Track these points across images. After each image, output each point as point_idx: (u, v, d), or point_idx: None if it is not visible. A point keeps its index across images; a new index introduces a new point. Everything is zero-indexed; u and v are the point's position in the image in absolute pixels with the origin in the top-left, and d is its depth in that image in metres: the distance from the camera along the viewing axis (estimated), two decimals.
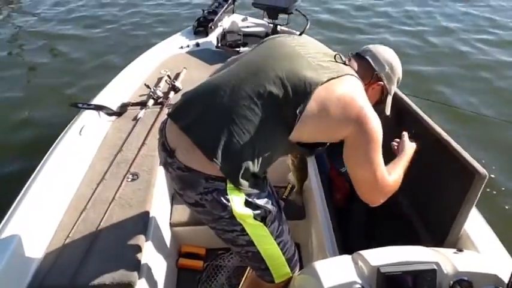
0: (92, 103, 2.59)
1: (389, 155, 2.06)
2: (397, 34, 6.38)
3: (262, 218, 1.39)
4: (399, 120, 1.94)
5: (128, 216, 1.96)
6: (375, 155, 1.38)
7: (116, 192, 2.06)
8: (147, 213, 1.99)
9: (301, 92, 1.30)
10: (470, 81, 5.04)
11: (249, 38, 3.78)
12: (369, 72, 1.51)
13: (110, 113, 2.62)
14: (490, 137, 3.89)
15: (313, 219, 2.14)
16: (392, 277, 1.15)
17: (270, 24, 3.60)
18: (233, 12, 4.22)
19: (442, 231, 1.55)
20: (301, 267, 1.64)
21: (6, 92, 4.93)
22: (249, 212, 1.35)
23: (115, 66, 3.49)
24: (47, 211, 1.93)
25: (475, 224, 1.58)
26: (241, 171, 1.29)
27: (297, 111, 1.29)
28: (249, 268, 1.98)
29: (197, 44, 3.74)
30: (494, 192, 3.22)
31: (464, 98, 4.63)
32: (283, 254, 1.49)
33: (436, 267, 1.17)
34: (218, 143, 1.28)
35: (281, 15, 3.54)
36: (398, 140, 1.68)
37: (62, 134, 2.32)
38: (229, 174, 1.29)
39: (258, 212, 1.37)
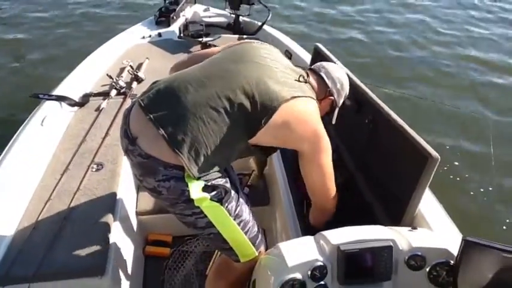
0: (53, 94, 2.55)
1: (349, 141, 2.17)
2: (359, 27, 6.53)
3: (219, 199, 1.45)
4: (358, 108, 2.02)
5: (93, 206, 1.96)
6: (325, 163, 1.59)
7: (80, 182, 2.06)
8: (113, 202, 2.00)
9: (268, 105, 1.41)
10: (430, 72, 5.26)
11: (211, 28, 3.80)
12: (324, 88, 1.70)
13: (72, 103, 2.59)
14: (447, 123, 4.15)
15: (278, 204, 2.20)
16: (352, 254, 1.23)
17: (232, 15, 3.63)
18: (195, 3, 4.22)
19: (398, 212, 1.64)
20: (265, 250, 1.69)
21: None
22: (206, 195, 1.41)
23: (76, 56, 3.42)
24: (10, 202, 1.91)
25: (428, 204, 1.67)
26: (200, 165, 1.36)
27: (262, 123, 1.40)
28: (216, 251, 2.02)
29: (159, 34, 3.72)
30: (449, 175, 3.46)
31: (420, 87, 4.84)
32: (245, 233, 1.54)
33: (392, 244, 1.24)
34: (184, 137, 1.34)
35: (243, 6, 3.57)
36: None
37: (23, 125, 2.28)
38: (190, 167, 1.34)
39: (214, 193, 1.42)
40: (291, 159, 2.34)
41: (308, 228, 1.81)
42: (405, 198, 1.61)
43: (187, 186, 1.36)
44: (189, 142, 1.34)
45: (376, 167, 1.89)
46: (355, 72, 2.18)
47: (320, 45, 2.57)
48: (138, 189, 2.42)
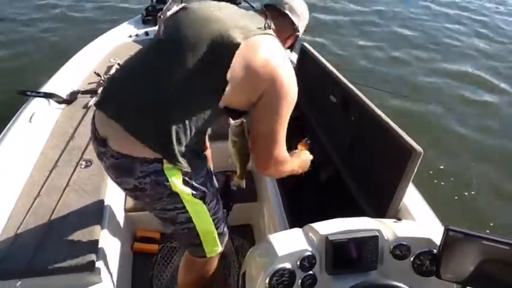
0: (41, 91, 2.54)
1: (335, 137, 2.21)
2: (350, 16, 6.64)
3: (201, 197, 1.45)
4: (345, 106, 2.07)
5: (82, 202, 1.96)
6: (283, 111, 1.39)
7: (69, 179, 2.06)
8: (101, 199, 2.00)
9: (225, 54, 1.30)
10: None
11: None
12: (289, 25, 1.57)
13: (60, 100, 2.59)
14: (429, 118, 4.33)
15: (265, 201, 2.24)
16: (339, 244, 1.27)
17: None
18: (181, 2, 4.23)
19: (383, 205, 1.68)
20: (252, 245, 1.72)
21: None
22: (188, 190, 1.39)
23: (63, 54, 3.42)
24: (0, 197, 1.91)
25: (411, 196, 1.73)
26: (175, 148, 1.29)
27: (227, 78, 1.30)
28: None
29: (146, 33, 3.73)
30: (430, 168, 3.62)
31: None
32: (216, 229, 1.58)
33: (378, 234, 1.29)
34: (147, 125, 1.30)
35: None
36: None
37: (11, 121, 2.28)
38: (164, 153, 1.30)
39: (195, 192, 1.42)
40: None
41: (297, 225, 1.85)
42: (390, 191, 1.66)
43: (167, 179, 1.33)
44: (157, 129, 1.29)
45: (362, 162, 1.93)
46: (341, 71, 2.23)
47: (306, 44, 2.61)
48: None
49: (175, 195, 1.38)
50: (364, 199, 1.85)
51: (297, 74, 2.68)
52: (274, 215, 1.99)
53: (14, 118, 2.31)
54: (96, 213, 1.92)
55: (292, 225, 1.88)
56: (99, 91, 2.72)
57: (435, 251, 1.26)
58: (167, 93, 1.31)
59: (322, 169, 2.26)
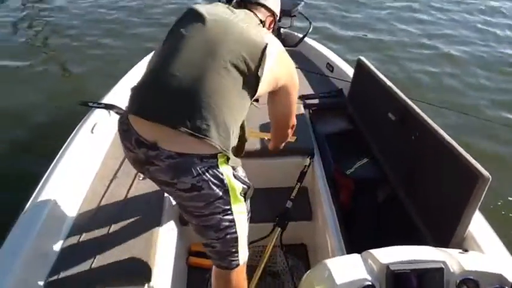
0: (102, 102, 2.62)
1: (392, 156, 2.14)
2: (400, 34, 6.44)
3: (245, 193, 1.49)
4: (404, 124, 2.00)
5: (139, 214, 1.99)
6: (296, 97, 1.73)
7: (128, 190, 2.10)
8: (158, 211, 2.03)
9: (255, 55, 1.42)
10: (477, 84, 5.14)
11: None
12: (268, 12, 1.75)
13: (120, 112, 2.66)
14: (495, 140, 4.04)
15: (320, 220, 2.19)
16: (401, 275, 1.20)
17: None
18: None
19: (446, 233, 1.60)
20: (308, 268, 1.69)
21: (21, 92, 4.99)
22: (239, 184, 1.44)
23: (123, 66, 3.53)
24: (61, 208, 1.97)
25: (478, 225, 1.63)
26: (231, 142, 1.38)
27: (258, 74, 1.43)
28: (261, 265, 2.08)
29: None
30: (496, 196, 3.34)
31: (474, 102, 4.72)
32: (247, 232, 1.61)
33: (443, 266, 1.22)
34: (202, 121, 1.32)
35: (284, 18, 3.58)
36: None
37: (74, 132, 2.35)
38: (224, 146, 1.35)
39: (244, 186, 1.47)
40: (332, 173, 2.34)
41: (353, 247, 1.80)
42: (454, 218, 1.58)
43: (222, 173, 1.37)
44: (216, 125, 1.33)
45: (423, 184, 1.86)
46: (399, 85, 2.16)
47: (363, 58, 2.56)
48: None
49: (227, 194, 1.40)
50: (424, 224, 1.78)
51: (352, 88, 2.68)
52: (330, 236, 1.94)
53: (76, 128, 2.38)
54: (152, 226, 1.95)
55: (348, 248, 1.83)
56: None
57: None
58: (213, 92, 1.36)
59: (379, 188, 2.20)
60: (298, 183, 2.30)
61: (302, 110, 2.74)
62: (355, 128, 2.64)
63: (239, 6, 1.69)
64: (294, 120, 1.86)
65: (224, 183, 1.39)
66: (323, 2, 7.64)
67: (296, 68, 3.13)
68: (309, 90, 2.98)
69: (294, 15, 3.60)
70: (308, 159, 2.35)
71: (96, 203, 2.03)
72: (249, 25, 1.52)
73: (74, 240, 1.87)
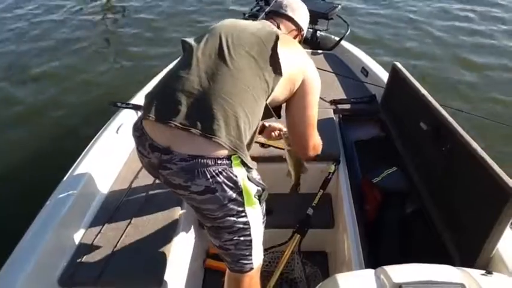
0: (130, 103, 2.65)
1: (423, 167, 2.03)
2: (438, 43, 6.22)
3: (259, 196, 1.47)
4: (436, 135, 1.89)
5: (158, 215, 2.00)
6: (316, 103, 1.62)
7: (147, 192, 2.11)
8: (176, 213, 2.02)
9: (266, 56, 1.43)
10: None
11: None
12: (294, 26, 1.73)
13: None
14: None
15: (342, 229, 2.12)
16: None
17: (310, 29, 3.58)
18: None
19: (473, 251, 1.50)
20: (326, 277, 1.62)
21: (52, 89, 5.18)
22: (253, 186, 1.42)
23: (154, 67, 3.56)
24: (81, 206, 2.00)
25: (508, 245, 1.51)
26: (244, 141, 1.36)
27: (275, 73, 1.42)
28: (277, 270, 2.04)
29: None
30: None
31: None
32: (262, 235, 1.59)
33: None
34: (214, 122, 1.31)
35: (321, 20, 3.51)
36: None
37: (100, 132, 2.39)
38: (237, 149, 1.34)
39: (258, 188, 1.45)
40: (359, 182, 2.25)
41: (375, 260, 1.72)
42: (482, 236, 1.47)
43: (236, 175, 1.35)
44: (229, 127, 1.32)
45: (452, 198, 1.75)
46: (435, 95, 2.05)
47: (398, 64, 2.46)
48: None
49: (240, 196, 1.39)
50: (452, 241, 1.67)
51: (386, 94, 2.58)
52: (350, 246, 1.86)
53: (102, 128, 2.42)
54: (170, 226, 1.94)
55: (368, 260, 1.74)
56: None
57: None
58: (229, 94, 1.35)
59: (408, 201, 2.09)
60: (321, 190, 2.23)
61: (332, 115, 2.66)
62: (387, 135, 2.54)
63: (267, 20, 1.71)
64: (314, 139, 1.69)
65: (238, 185, 1.37)
66: (362, 5, 7.50)
67: (330, 72, 3.12)
68: (341, 95, 2.89)
69: (331, 18, 3.53)
70: (333, 166, 2.28)
71: (115, 203, 2.05)
72: (264, 26, 1.54)
73: (91, 235, 1.89)
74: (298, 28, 1.74)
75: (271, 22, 1.67)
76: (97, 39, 6.65)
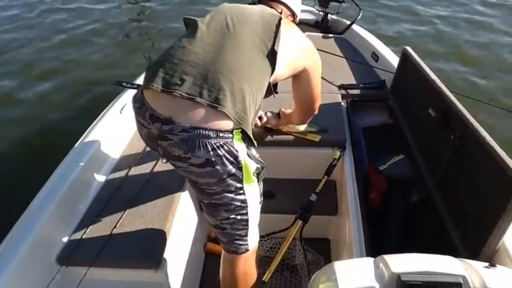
0: (136, 83, 2.61)
1: (430, 155, 1.98)
2: (454, 25, 6.07)
3: (257, 174, 1.47)
4: (445, 122, 1.84)
5: (159, 197, 1.98)
6: (319, 77, 1.78)
7: (150, 172, 2.09)
8: (178, 195, 2.00)
9: (270, 32, 1.47)
10: None
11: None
12: (290, 13, 1.82)
13: None
14: None
15: (345, 216, 2.08)
16: (413, 286, 1.09)
17: (320, 12, 3.50)
18: None
19: (478, 243, 1.46)
20: (328, 262, 1.59)
21: (59, 70, 5.20)
22: (253, 163, 1.43)
23: (158, 48, 3.55)
24: (83, 186, 1.99)
25: None
26: (249, 118, 1.37)
27: (275, 48, 1.44)
28: (278, 255, 2.03)
29: None
30: None
31: None
32: (259, 215, 1.60)
33: (462, 281, 1.08)
34: (220, 92, 1.31)
35: (332, 4, 3.43)
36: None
37: (103, 111, 2.37)
38: (241, 122, 1.34)
39: (257, 165, 1.46)
40: (365, 169, 2.21)
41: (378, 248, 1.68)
42: (488, 226, 1.43)
43: (237, 150, 1.35)
44: (234, 100, 1.32)
45: (459, 188, 1.70)
46: (443, 78, 1.99)
47: (409, 49, 2.39)
48: None
49: (240, 171, 1.38)
50: (457, 231, 1.62)
51: (396, 80, 2.52)
52: (353, 234, 1.83)
53: (106, 108, 2.40)
54: (171, 209, 1.92)
55: (371, 249, 1.71)
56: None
57: None
58: (234, 67, 1.36)
59: (414, 189, 2.05)
60: (326, 176, 2.19)
61: (339, 100, 2.60)
62: (395, 122, 2.48)
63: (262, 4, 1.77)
64: (319, 102, 1.90)
65: (238, 160, 1.37)
66: None
67: (340, 56, 3.05)
68: (350, 80, 2.83)
69: (343, 1, 3.45)
70: (338, 152, 2.23)
71: (116, 184, 2.04)
72: (264, 9, 1.60)
73: (91, 215, 1.89)
74: (292, 13, 1.83)
75: (268, 7, 1.70)
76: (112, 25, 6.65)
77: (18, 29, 6.45)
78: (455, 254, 1.22)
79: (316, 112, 1.94)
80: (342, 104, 2.60)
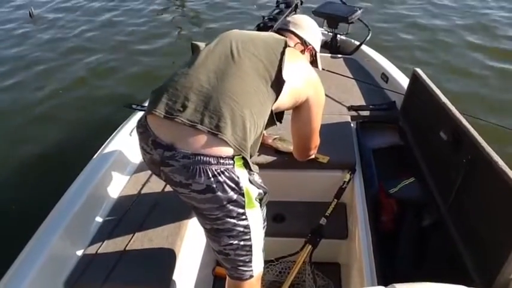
0: (145, 105, 2.62)
1: (441, 178, 1.95)
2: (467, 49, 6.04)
3: (260, 199, 1.47)
4: (456, 145, 1.81)
5: (167, 220, 1.97)
6: (320, 113, 1.78)
7: (158, 195, 2.09)
8: (186, 219, 1.99)
9: (274, 60, 1.49)
10: None
11: None
12: (300, 41, 1.82)
13: None
14: None
15: (356, 240, 2.05)
16: None
17: (330, 33, 3.51)
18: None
19: (491, 270, 1.42)
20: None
21: (70, 88, 5.29)
22: (254, 189, 1.43)
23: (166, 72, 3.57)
24: (91, 209, 1.99)
25: None
26: (249, 145, 1.37)
27: (283, 76, 1.47)
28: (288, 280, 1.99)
29: None
30: None
31: None
32: (263, 241, 1.58)
33: None
34: (221, 119, 1.32)
35: (341, 24, 3.45)
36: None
37: (113, 134, 2.38)
38: (241, 148, 1.34)
39: (260, 191, 1.46)
40: (376, 192, 2.18)
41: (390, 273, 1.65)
42: (502, 255, 1.39)
43: (238, 176, 1.35)
44: (235, 126, 1.33)
45: (471, 213, 1.67)
46: (454, 102, 1.97)
47: (419, 70, 2.38)
48: None
49: (241, 197, 1.38)
50: (470, 258, 1.59)
51: (406, 101, 2.51)
52: (363, 259, 1.80)
53: (116, 131, 2.41)
54: (179, 232, 1.91)
55: (382, 275, 1.68)
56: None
57: None
58: (237, 94, 1.38)
59: (425, 213, 2.01)
60: (336, 200, 2.16)
61: (349, 121, 2.59)
62: (405, 144, 2.46)
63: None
64: (316, 141, 1.91)
65: (240, 186, 1.37)
66: (384, 10, 7.38)
67: (349, 77, 3.05)
68: (360, 101, 2.82)
69: (352, 22, 3.46)
70: (348, 175, 2.21)
71: (125, 207, 2.04)
72: (271, 35, 1.63)
73: (99, 238, 1.89)
74: (303, 42, 1.83)
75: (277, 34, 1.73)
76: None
77: (30, 46, 6.62)
78: (469, 281, 1.19)
79: (312, 155, 1.99)
80: (352, 125, 2.59)
